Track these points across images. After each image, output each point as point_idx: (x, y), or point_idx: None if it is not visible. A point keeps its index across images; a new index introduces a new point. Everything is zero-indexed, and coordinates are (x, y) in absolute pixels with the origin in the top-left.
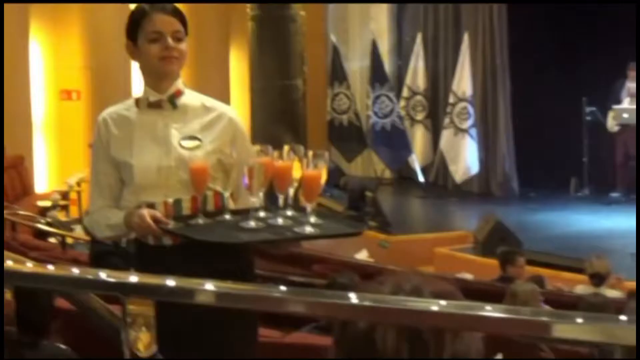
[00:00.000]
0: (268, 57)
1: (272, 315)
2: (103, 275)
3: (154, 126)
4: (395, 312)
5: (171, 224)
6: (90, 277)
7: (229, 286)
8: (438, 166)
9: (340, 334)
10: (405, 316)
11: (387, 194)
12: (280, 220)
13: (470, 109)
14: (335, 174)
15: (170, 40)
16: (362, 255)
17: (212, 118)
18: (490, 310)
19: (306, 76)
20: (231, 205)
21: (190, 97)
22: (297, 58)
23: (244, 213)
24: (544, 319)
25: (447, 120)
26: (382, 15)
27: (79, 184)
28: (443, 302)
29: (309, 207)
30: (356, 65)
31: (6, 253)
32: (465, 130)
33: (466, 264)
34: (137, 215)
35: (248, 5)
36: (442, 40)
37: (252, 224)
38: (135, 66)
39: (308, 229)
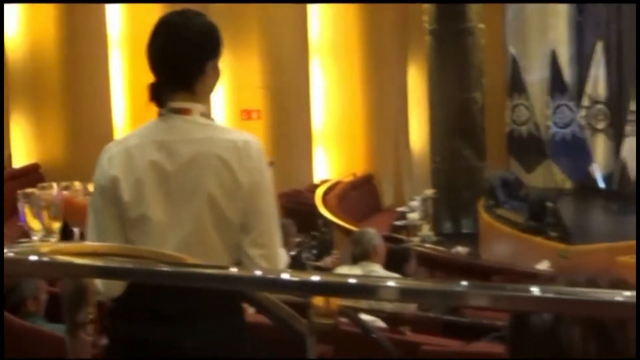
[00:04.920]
0: (446, 70)
1: (453, 326)
2: (285, 275)
3: None
4: (580, 304)
5: None
6: (272, 276)
7: (411, 282)
8: (620, 175)
9: (516, 337)
10: (590, 307)
11: (567, 204)
12: None
13: None
14: (515, 185)
15: None
16: (543, 266)
17: None
18: None
19: (485, 88)
20: None
21: None
22: (476, 71)
23: None
24: None
25: (629, 128)
26: (561, 24)
27: None
28: (628, 293)
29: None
30: (535, 76)
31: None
32: None
33: None
34: None
35: (425, 19)
36: (625, 47)
37: None
38: (316, 85)
39: None
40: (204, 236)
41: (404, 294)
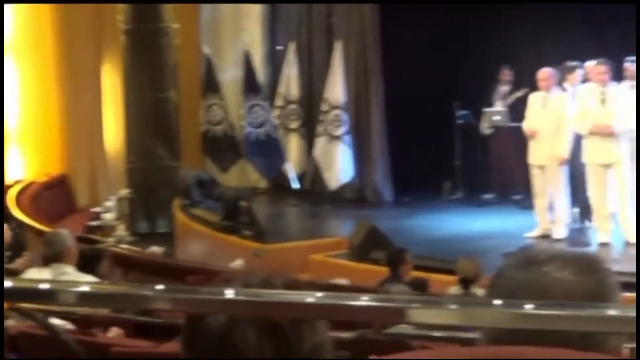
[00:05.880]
0: (141, 70)
1: (146, 326)
2: None
3: None
4: (271, 306)
5: None
6: None
7: (97, 286)
8: (312, 174)
9: (191, 338)
10: (281, 309)
11: (262, 203)
12: None
13: (344, 116)
14: (210, 185)
15: None
16: (238, 265)
17: None
18: (365, 300)
19: (180, 88)
20: None
21: None
22: (170, 70)
23: None
24: (416, 305)
25: (320, 128)
26: (254, 25)
27: None
28: (319, 294)
29: None
30: (229, 76)
31: None
32: (338, 138)
33: (341, 269)
34: None
35: (120, 19)
36: (315, 48)
37: None
38: (10, 84)
39: None
40: None
41: (87, 299)
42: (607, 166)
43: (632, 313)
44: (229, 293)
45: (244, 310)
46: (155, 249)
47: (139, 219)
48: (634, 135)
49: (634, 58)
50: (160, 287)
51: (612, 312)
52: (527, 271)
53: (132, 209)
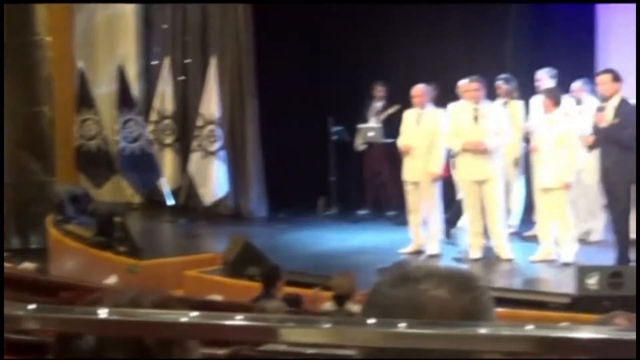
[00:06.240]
0: (13, 84)
1: (18, 345)
2: None
3: None
4: (145, 325)
5: None
6: None
7: None
8: (187, 189)
9: (60, 357)
10: (155, 329)
11: (136, 219)
12: None
13: (219, 132)
14: (84, 200)
15: None
16: (112, 281)
17: None
18: (239, 319)
19: (54, 102)
20: None
21: None
22: (44, 84)
23: None
24: (290, 324)
25: (195, 144)
26: (129, 40)
27: None
28: (193, 313)
29: None
30: (104, 91)
31: None
32: (213, 153)
33: (216, 285)
34: None
35: None
36: (191, 63)
37: None
38: None
39: None
40: None
41: None
42: (480, 183)
43: (504, 331)
44: (102, 313)
45: (117, 330)
46: (28, 265)
47: (11, 235)
48: (505, 152)
49: (506, 76)
50: (32, 306)
51: (483, 330)
52: (403, 288)
53: (4, 224)
